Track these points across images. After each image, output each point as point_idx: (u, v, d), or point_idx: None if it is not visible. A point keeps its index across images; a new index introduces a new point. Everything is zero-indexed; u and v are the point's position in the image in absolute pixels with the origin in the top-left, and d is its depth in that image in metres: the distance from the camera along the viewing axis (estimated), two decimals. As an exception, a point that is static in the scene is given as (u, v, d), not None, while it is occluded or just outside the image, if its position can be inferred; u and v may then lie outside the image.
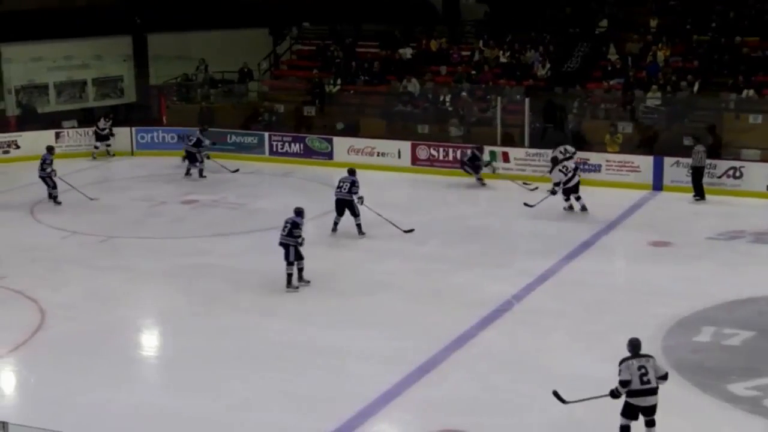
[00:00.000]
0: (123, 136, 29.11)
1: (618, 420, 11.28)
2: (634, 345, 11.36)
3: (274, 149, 28.08)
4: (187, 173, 26.02)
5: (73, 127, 29.44)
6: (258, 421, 12.34)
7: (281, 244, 17.10)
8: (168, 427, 12.22)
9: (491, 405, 12.69)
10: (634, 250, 19.38)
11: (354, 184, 19.88)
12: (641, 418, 11.27)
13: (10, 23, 29.52)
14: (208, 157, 26.16)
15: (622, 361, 11.22)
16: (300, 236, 17.04)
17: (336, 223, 20.16)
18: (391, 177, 25.95)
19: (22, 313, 16.19)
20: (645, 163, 24.25)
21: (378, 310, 16.14)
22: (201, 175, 25.94)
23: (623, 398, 11.25)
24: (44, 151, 23.65)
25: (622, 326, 14.32)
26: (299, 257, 17.03)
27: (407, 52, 31.32)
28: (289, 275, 17.10)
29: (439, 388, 13.19)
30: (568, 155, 23.06)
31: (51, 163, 23.25)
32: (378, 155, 26.95)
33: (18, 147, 28.47)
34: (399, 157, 26.72)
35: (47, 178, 23.23)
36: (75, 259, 19.22)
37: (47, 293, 17.02)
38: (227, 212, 22.76)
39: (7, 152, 28.39)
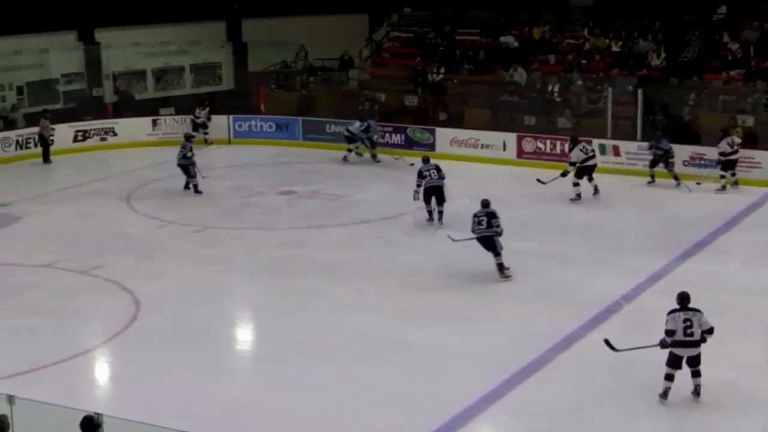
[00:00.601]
0: (220, 124, 29.54)
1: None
2: (683, 298, 12.54)
3: (374, 139, 28.17)
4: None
5: (170, 115, 29.98)
6: (354, 420, 12.42)
7: (482, 238, 17.26)
8: (262, 424, 12.39)
9: (597, 408, 12.57)
10: (752, 252, 18.96)
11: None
12: (686, 369, 12.20)
13: (108, 9, 30.22)
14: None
15: (669, 313, 12.44)
16: (499, 226, 17.29)
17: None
18: (495, 170, 25.84)
19: (117, 303, 16.58)
20: (766, 158, 23.71)
21: (479, 308, 16.11)
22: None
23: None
24: (183, 140, 24.05)
25: (734, 331, 14.06)
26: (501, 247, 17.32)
27: (510, 40, 31.12)
28: (500, 265, 17.31)
29: (544, 390, 13.11)
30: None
31: (191, 150, 23.68)
32: (482, 147, 26.86)
33: (115, 134, 29.13)
34: (504, 149, 26.59)
35: (189, 166, 23.65)
36: (170, 250, 19.62)
37: (142, 284, 17.40)
38: (325, 204, 22.94)
39: (104, 139, 29.06)
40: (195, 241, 20.14)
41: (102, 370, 14.57)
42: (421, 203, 20.65)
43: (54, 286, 17.66)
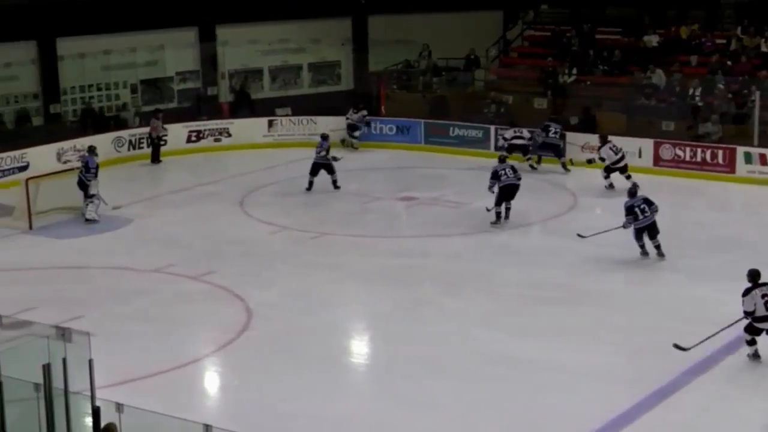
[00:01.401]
0: (338, 125, 29.79)
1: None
2: (754, 275, 13.96)
3: (500, 144, 28.13)
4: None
5: (287, 115, 30.41)
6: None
7: (650, 224, 18.64)
8: (374, 440, 12.55)
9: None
10: None
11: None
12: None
13: (228, 4, 30.83)
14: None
15: (746, 293, 13.82)
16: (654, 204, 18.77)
17: None
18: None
19: (229, 310, 16.94)
20: None
21: (605, 324, 15.98)
22: None
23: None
24: (319, 139, 24.86)
25: None
26: None
27: (653, 40, 30.72)
28: (658, 246, 18.70)
29: (679, 415, 12.95)
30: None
31: (328, 150, 24.40)
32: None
33: (229, 135, 29.69)
34: (639, 156, 26.24)
35: (326, 164, 24.31)
36: (284, 256, 19.96)
37: (255, 291, 17.75)
38: (446, 211, 23.03)
39: (218, 140, 29.64)
40: (310, 247, 20.44)
41: (211, 380, 14.90)
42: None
43: (165, 291, 18.13)
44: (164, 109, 29.50)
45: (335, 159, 24.68)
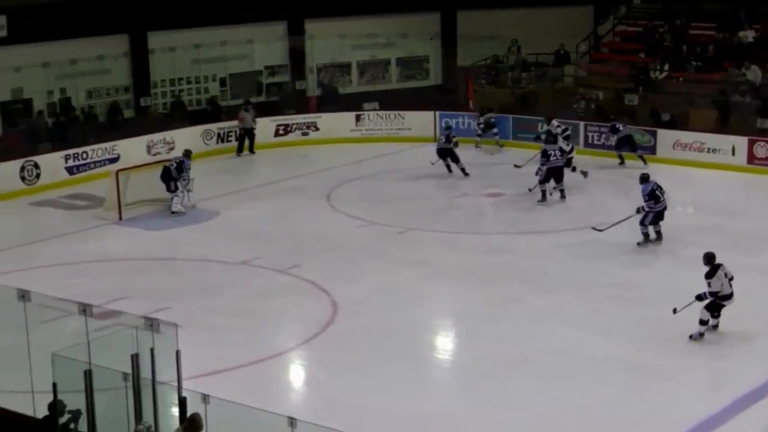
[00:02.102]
0: (426, 120, 29.80)
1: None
2: (711, 257, 14.86)
3: (590, 140, 27.89)
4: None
5: (374, 110, 30.49)
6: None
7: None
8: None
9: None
10: None
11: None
12: None
13: (318, -1, 31.08)
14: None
15: (710, 275, 14.71)
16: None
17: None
18: (722, 177, 25.15)
19: (314, 304, 17.06)
20: None
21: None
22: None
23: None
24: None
25: None
26: None
27: (748, 35, 30.19)
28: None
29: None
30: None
31: (448, 138, 25.13)
32: (708, 151, 26.19)
33: (317, 129, 29.86)
34: (733, 154, 25.85)
35: (449, 152, 24.95)
36: (370, 251, 20.03)
37: (340, 285, 17.84)
38: (533, 208, 22.91)
39: (306, 134, 29.84)
40: (396, 242, 20.48)
41: (296, 374, 15.02)
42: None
43: (251, 284, 18.32)
44: (253, 102, 29.74)
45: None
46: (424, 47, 33.46)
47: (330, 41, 31.95)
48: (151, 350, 10.63)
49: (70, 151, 25.60)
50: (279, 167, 27.09)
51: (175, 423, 10.72)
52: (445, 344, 16.29)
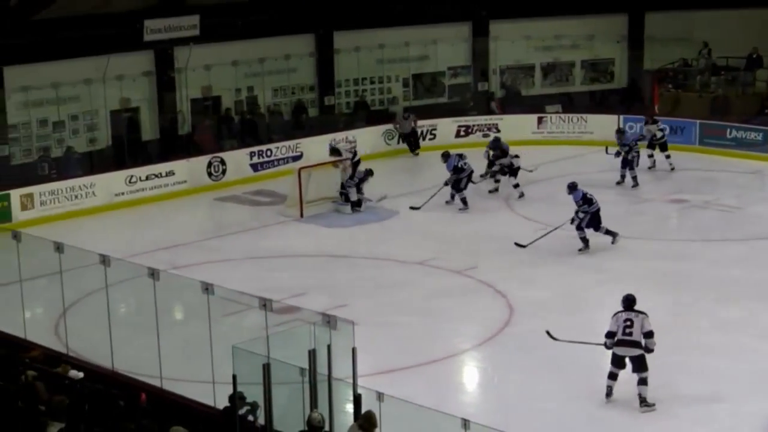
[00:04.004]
0: (609, 123, 29.34)
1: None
2: (629, 300, 13.65)
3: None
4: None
5: (557, 113, 30.24)
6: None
7: (596, 212, 19.11)
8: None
9: None
10: None
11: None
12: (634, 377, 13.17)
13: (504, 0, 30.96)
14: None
15: (613, 315, 13.54)
16: None
17: None
18: None
19: (491, 306, 17.05)
20: None
21: None
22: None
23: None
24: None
25: None
26: None
27: None
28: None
29: None
30: None
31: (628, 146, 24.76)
32: None
33: (498, 131, 29.73)
34: None
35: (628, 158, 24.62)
36: (547, 255, 19.88)
37: (517, 288, 17.82)
38: (720, 215, 22.36)
39: (487, 136, 29.74)
40: (576, 247, 20.23)
41: (470, 375, 15.04)
42: None
43: (428, 284, 18.44)
44: (434, 104, 29.93)
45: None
46: (611, 49, 32.94)
47: (514, 43, 31.81)
48: (328, 346, 10.79)
49: (255, 149, 26.26)
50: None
51: (350, 419, 10.87)
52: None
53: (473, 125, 29.90)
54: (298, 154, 27.00)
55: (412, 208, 22.24)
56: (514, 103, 31.51)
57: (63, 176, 24.20)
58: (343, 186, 23.38)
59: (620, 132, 25.45)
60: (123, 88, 26.05)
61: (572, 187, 20.28)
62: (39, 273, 15.67)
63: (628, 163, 24.65)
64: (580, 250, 19.90)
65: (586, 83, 32.86)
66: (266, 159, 26.59)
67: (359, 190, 23.18)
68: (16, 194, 22.88)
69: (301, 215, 22.74)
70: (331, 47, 29.78)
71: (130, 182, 24.56)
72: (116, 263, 13.19)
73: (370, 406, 10.49)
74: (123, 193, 24.44)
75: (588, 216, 19.90)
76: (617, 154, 24.92)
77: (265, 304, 11.00)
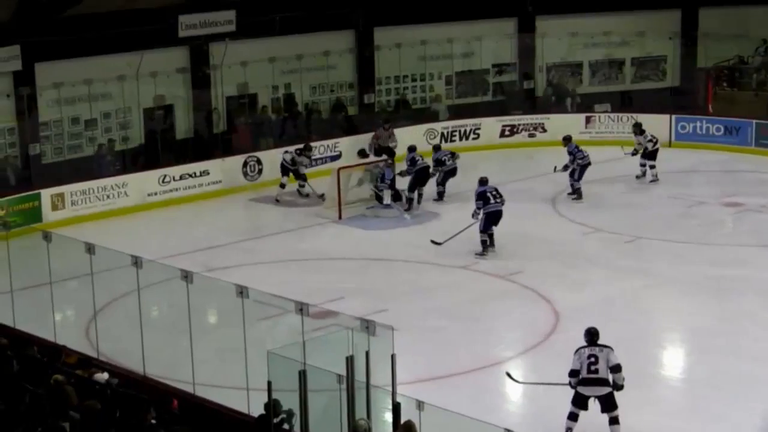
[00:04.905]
0: (661, 124, 29.18)
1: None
2: (591, 334, 12.74)
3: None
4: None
5: (606, 112, 30.09)
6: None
7: (497, 212, 19.42)
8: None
9: None
10: None
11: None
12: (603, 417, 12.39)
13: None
14: None
15: (576, 351, 12.66)
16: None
17: None
18: None
19: (535, 312, 16.99)
20: None
21: None
22: None
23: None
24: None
25: None
26: None
27: None
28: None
29: None
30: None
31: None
32: None
33: (544, 130, 29.67)
34: None
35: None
36: (595, 259, 19.82)
37: (562, 294, 17.75)
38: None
39: (532, 135, 29.71)
40: (624, 251, 20.18)
41: (514, 384, 14.96)
42: None
43: (470, 289, 18.44)
44: (479, 102, 29.82)
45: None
46: (663, 46, 32.69)
47: (562, 39, 31.66)
48: (367, 353, 10.78)
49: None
50: (503, 169, 26.95)
51: (388, 429, 10.86)
52: (672, 359, 15.98)
53: (518, 124, 29.82)
54: (337, 153, 27.04)
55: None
56: (561, 102, 31.35)
57: (94, 175, 24.36)
58: (376, 187, 23.40)
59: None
60: (157, 85, 26.19)
61: (481, 182, 20.58)
62: (70, 275, 15.82)
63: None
64: (476, 254, 19.93)
65: (637, 81, 32.63)
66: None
67: (394, 190, 23.17)
68: (46, 194, 23.07)
69: (340, 217, 22.77)
70: (371, 44, 29.78)
71: (163, 182, 24.71)
72: (148, 265, 13.26)
73: (410, 415, 10.47)
74: (156, 193, 24.61)
75: (484, 217, 20.04)
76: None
77: (301, 308, 11.02)
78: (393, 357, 10.81)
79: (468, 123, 29.42)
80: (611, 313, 16.89)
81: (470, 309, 17.36)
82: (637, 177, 25.33)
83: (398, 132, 27.73)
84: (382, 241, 21.51)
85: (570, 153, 23.96)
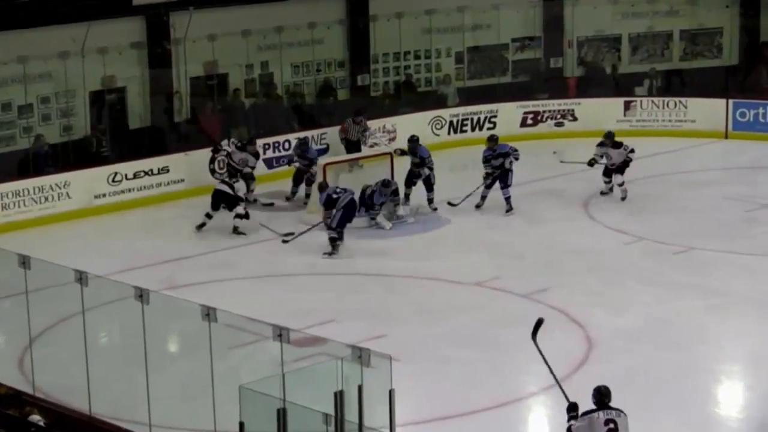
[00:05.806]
0: (715, 110, 29.16)
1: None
2: (602, 394, 11.85)
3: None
4: None
5: (649, 96, 30.05)
6: None
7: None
8: None
9: None
10: None
11: None
12: None
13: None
14: None
15: (584, 414, 11.66)
16: None
17: None
18: None
19: (565, 339, 16.89)
20: None
21: None
22: None
23: None
24: None
25: None
26: None
27: None
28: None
29: None
30: None
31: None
32: None
33: (575, 118, 29.64)
34: None
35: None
36: (640, 274, 19.80)
37: (600, 315, 17.76)
38: None
39: (560, 124, 29.65)
40: (675, 264, 20.21)
41: (538, 425, 14.94)
42: None
43: (487, 310, 18.41)
44: (496, 84, 29.78)
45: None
46: (718, 17, 32.71)
47: (597, 9, 31.62)
48: (359, 387, 10.72)
49: (270, 140, 26.18)
50: (526, 165, 26.82)
51: (385, 480, 10.81)
52: (735, 396, 15.91)
53: (543, 111, 29.78)
54: (324, 146, 26.96)
55: (449, 203, 22.98)
56: (596, 83, 31.29)
57: (29, 173, 24.27)
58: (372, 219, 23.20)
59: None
60: (106, 64, 26.08)
61: (320, 187, 21.50)
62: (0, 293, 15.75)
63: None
64: (324, 254, 21.08)
65: (687, 59, 32.60)
66: (284, 153, 26.53)
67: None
68: (-29, 196, 23.09)
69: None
70: (366, 13, 29.73)
71: (113, 181, 24.66)
72: (95, 281, 13.22)
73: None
74: (105, 195, 24.59)
75: (337, 217, 20.96)
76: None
77: (281, 334, 10.97)
78: (391, 392, 10.76)
79: (482, 109, 29.41)
80: (660, 340, 16.93)
81: (486, 334, 17.33)
82: (602, 193, 24.50)
83: (399, 120, 27.71)
84: (381, 252, 21.47)
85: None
